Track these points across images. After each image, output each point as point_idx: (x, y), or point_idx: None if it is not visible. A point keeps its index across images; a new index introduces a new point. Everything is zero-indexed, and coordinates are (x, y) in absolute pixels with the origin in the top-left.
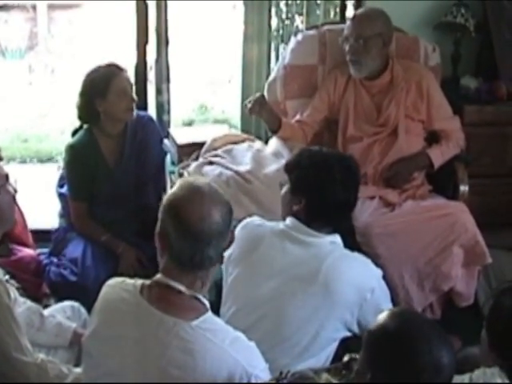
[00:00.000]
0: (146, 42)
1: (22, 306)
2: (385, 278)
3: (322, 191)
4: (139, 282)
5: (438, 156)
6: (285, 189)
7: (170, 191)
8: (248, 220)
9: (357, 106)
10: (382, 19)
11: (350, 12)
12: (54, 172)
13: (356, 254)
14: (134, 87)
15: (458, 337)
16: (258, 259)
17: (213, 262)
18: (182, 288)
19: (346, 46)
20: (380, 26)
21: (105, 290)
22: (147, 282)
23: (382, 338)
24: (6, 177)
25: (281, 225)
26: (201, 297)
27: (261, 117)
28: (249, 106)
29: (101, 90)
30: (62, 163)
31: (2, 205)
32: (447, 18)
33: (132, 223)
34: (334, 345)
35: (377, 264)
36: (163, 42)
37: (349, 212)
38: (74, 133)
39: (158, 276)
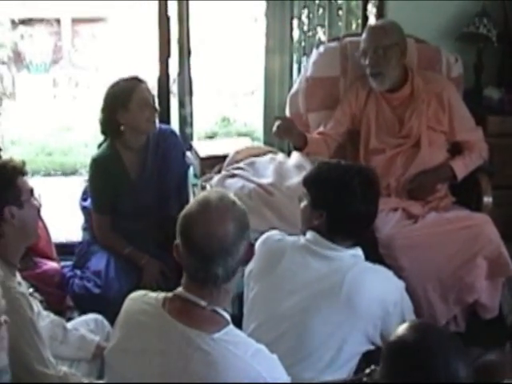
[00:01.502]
0: (169, 55)
1: (46, 319)
2: (408, 290)
3: (343, 204)
4: (161, 295)
5: (461, 167)
6: (304, 203)
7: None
8: (268, 234)
9: (378, 118)
10: (396, 29)
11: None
12: (78, 185)
13: (378, 267)
14: (156, 98)
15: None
16: (280, 274)
17: (222, 280)
18: (201, 302)
19: (366, 60)
20: (396, 35)
21: (127, 303)
22: (169, 295)
23: (399, 351)
24: (31, 191)
25: (302, 239)
26: (221, 310)
27: (287, 139)
28: (274, 130)
29: (122, 102)
30: (86, 176)
31: (27, 219)
32: (469, 28)
33: (155, 235)
34: (357, 358)
35: (400, 276)
36: (185, 54)
37: (370, 224)
38: (100, 146)
39: (179, 289)
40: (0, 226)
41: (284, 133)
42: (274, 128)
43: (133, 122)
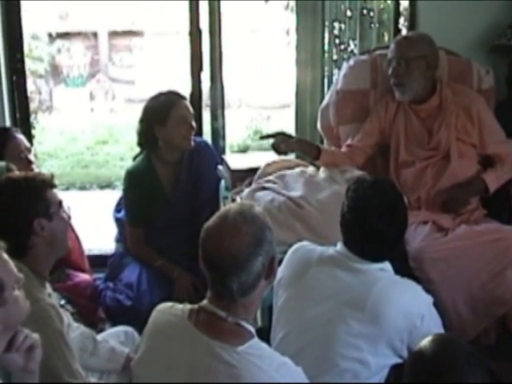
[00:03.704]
0: (201, 68)
1: (76, 330)
2: (437, 303)
3: (361, 238)
4: (188, 306)
5: (494, 180)
6: None
7: None
8: (299, 244)
9: (407, 130)
10: (425, 41)
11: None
12: (113, 198)
13: (406, 280)
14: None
15: None
16: (307, 284)
17: (238, 294)
18: (224, 315)
19: (389, 70)
20: (422, 47)
21: (154, 315)
22: (195, 307)
23: (417, 362)
24: (60, 203)
25: (330, 250)
26: (244, 323)
27: (293, 152)
28: (272, 148)
29: (161, 117)
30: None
31: (56, 231)
32: (501, 40)
33: (187, 248)
34: (386, 371)
35: (429, 289)
36: (217, 67)
37: (394, 248)
38: (135, 159)
39: (204, 302)
40: (30, 239)
41: (283, 147)
42: (272, 147)
43: (169, 137)
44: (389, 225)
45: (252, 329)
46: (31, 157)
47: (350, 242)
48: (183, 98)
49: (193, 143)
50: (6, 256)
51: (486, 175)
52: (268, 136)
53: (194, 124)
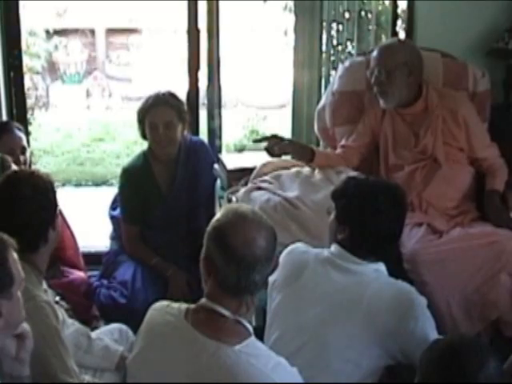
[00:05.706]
0: (198, 67)
1: (71, 327)
2: (431, 305)
3: (366, 223)
4: (184, 305)
5: (500, 184)
6: (332, 216)
7: (215, 217)
8: (293, 246)
9: (395, 133)
10: (406, 49)
11: (401, 37)
12: (108, 195)
13: (400, 282)
14: (176, 125)
15: None
16: (302, 285)
17: (258, 287)
18: (227, 313)
19: (372, 79)
20: (403, 55)
21: (150, 313)
22: (192, 306)
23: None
24: None
25: (325, 252)
26: (244, 321)
27: (287, 154)
28: (266, 152)
29: (140, 119)
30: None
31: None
32: (499, 44)
33: (183, 247)
34: (379, 372)
35: (423, 291)
36: (215, 67)
37: (393, 242)
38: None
39: (203, 300)
40: (48, 232)
41: (277, 150)
42: (265, 150)
43: (149, 138)
44: (392, 220)
45: (250, 327)
46: (22, 158)
47: (350, 239)
48: (169, 103)
49: (189, 140)
50: (16, 255)
51: (494, 184)
52: (261, 139)
53: (164, 133)
